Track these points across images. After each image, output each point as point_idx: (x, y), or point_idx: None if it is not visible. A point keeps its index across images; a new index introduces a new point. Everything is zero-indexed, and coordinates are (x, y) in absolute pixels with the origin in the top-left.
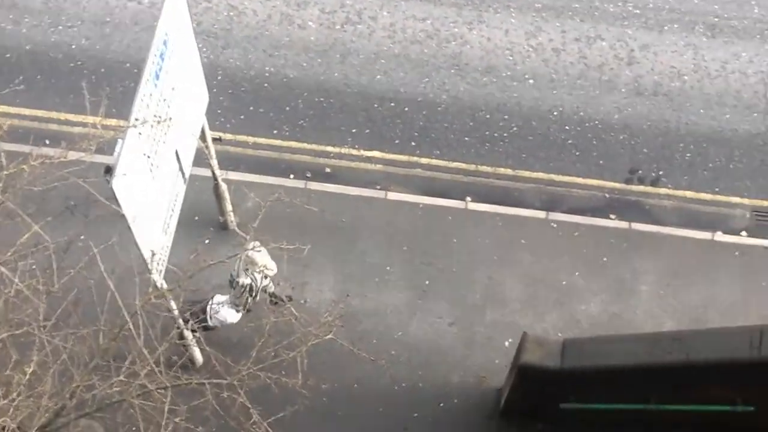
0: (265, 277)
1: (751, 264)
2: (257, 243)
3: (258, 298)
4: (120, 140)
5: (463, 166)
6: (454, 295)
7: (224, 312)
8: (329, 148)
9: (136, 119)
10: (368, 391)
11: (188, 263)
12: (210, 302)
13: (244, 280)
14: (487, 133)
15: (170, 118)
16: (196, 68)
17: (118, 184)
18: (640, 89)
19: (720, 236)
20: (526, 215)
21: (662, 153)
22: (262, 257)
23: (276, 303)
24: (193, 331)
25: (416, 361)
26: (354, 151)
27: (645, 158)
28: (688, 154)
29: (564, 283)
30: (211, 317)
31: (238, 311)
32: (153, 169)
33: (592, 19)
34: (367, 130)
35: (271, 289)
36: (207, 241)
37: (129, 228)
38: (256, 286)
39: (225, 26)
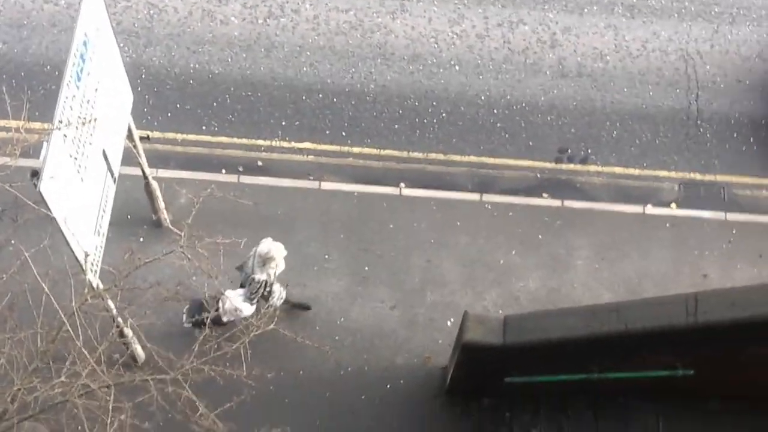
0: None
1: (681, 234)
2: (269, 238)
3: (271, 292)
4: (45, 143)
5: (395, 153)
6: (394, 279)
7: (241, 306)
8: (260, 142)
9: (60, 122)
10: (314, 377)
11: (123, 262)
12: (223, 298)
13: (260, 276)
14: (416, 120)
15: (95, 119)
16: (118, 68)
17: (46, 187)
18: (564, 71)
19: (650, 209)
20: (460, 198)
21: (590, 132)
22: (278, 252)
23: (294, 308)
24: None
25: (360, 346)
26: (285, 144)
27: (573, 137)
28: (615, 132)
29: (501, 262)
30: (225, 312)
31: (252, 304)
32: (81, 170)
33: (513, 4)
34: (297, 122)
35: (283, 298)
36: (141, 240)
37: (60, 230)
38: (270, 282)
39: (146, 24)
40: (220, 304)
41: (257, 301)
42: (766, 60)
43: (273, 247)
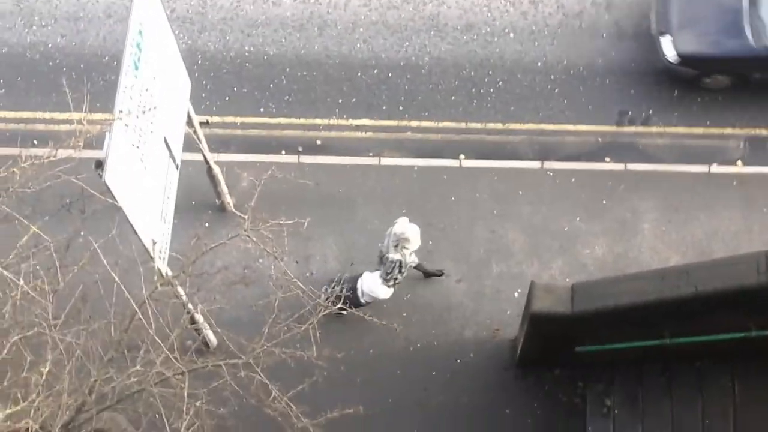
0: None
1: (749, 192)
2: (405, 218)
3: (405, 273)
4: (107, 134)
5: (452, 125)
6: (459, 252)
7: (377, 288)
8: (317, 121)
9: (121, 111)
10: (384, 355)
11: (190, 248)
12: (360, 280)
13: (394, 256)
14: (473, 90)
15: (155, 107)
16: (175, 55)
17: (110, 177)
18: (621, 32)
19: (716, 168)
20: (521, 167)
21: (650, 92)
22: (413, 234)
23: (429, 277)
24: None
25: (429, 321)
26: (343, 121)
27: (633, 99)
28: (676, 91)
29: (566, 229)
30: (363, 294)
31: (389, 287)
32: (143, 158)
33: None
34: (354, 99)
35: (415, 263)
36: (207, 225)
37: (127, 219)
38: (405, 262)
39: (199, 10)
40: (359, 285)
41: (394, 284)
42: None
43: (408, 229)
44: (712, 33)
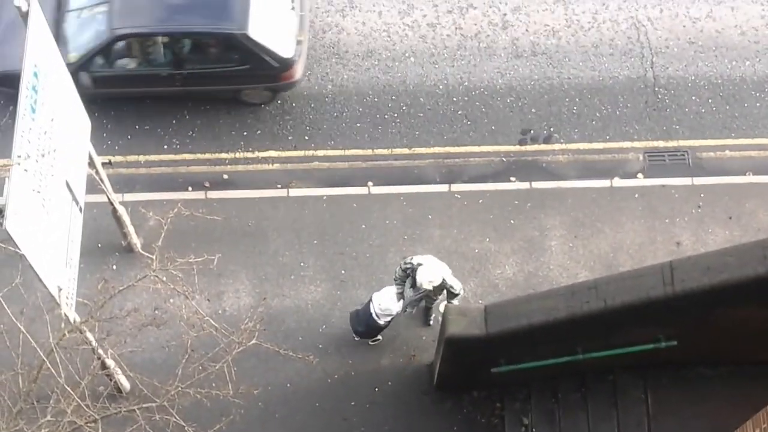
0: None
1: (651, 204)
2: (426, 267)
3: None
4: (6, 180)
5: (359, 152)
6: (372, 279)
7: (392, 305)
8: (223, 155)
9: (19, 156)
10: (302, 388)
11: (98, 292)
12: (372, 306)
13: (427, 287)
14: (377, 116)
15: (54, 150)
16: (73, 95)
17: (11, 224)
18: (518, 51)
19: (618, 182)
20: (430, 190)
21: (550, 110)
22: (434, 275)
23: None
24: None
25: (345, 351)
26: (249, 154)
27: (534, 118)
28: (575, 108)
29: (476, 250)
30: (379, 317)
31: (399, 300)
32: (45, 203)
33: None
34: (258, 131)
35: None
36: (114, 267)
37: (31, 266)
38: (430, 299)
39: None
40: (373, 310)
41: (411, 304)
42: (715, 19)
43: (434, 277)
44: None
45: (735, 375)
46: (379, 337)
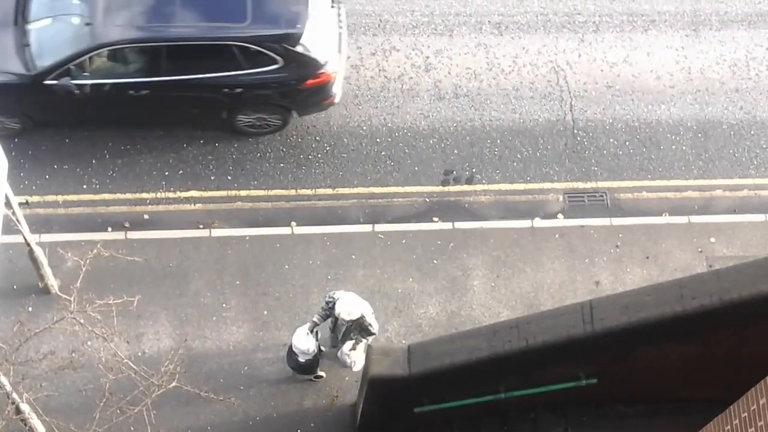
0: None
1: (570, 244)
2: (343, 300)
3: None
4: None
5: (283, 192)
6: (295, 320)
7: (298, 343)
8: (144, 195)
9: None
10: (223, 431)
11: (13, 335)
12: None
13: (345, 317)
14: (301, 156)
15: None
16: None
17: None
18: (441, 93)
19: (539, 222)
20: (353, 230)
21: (472, 151)
22: (353, 307)
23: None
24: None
25: (267, 393)
26: (170, 194)
27: (457, 159)
28: (497, 149)
29: (400, 290)
30: (298, 355)
31: (310, 335)
32: None
33: (383, 32)
34: (180, 171)
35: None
36: (30, 309)
37: None
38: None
39: None
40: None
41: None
42: (632, 64)
43: (352, 309)
44: None
45: (654, 413)
46: (321, 373)
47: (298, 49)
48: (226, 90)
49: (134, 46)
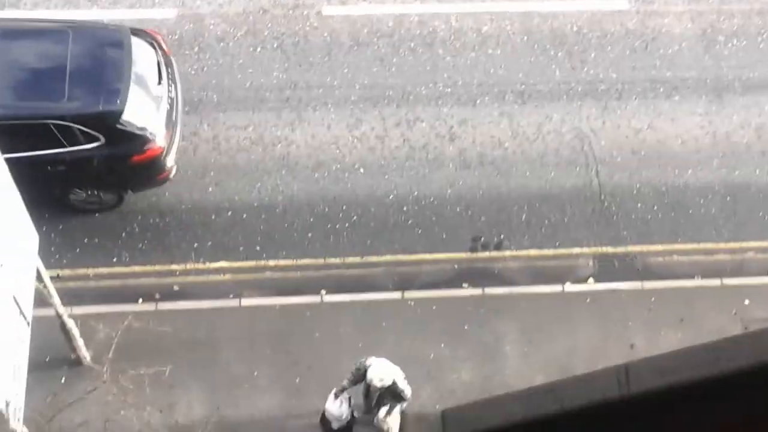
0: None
1: (602, 308)
2: (376, 367)
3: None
4: None
5: (311, 261)
6: (326, 388)
7: (329, 408)
8: (174, 266)
9: None
10: None
11: (47, 406)
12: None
13: (377, 384)
14: (328, 226)
15: (0, 265)
16: (20, 209)
17: None
18: (466, 162)
19: (569, 287)
20: (382, 298)
21: (499, 218)
22: (389, 376)
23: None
24: None
25: None
26: (200, 265)
27: (485, 225)
28: (524, 215)
29: (431, 356)
30: (331, 422)
31: (336, 399)
32: None
33: (407, 103)
34: (209, 243)
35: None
36: (63, 380)
37: None
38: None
39: None
40: (328, 415)
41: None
42: (656, 129)
43: (384, 375)
44: None
45: None
46: None
47: (121, 125)
48: (49, 168)
49: None
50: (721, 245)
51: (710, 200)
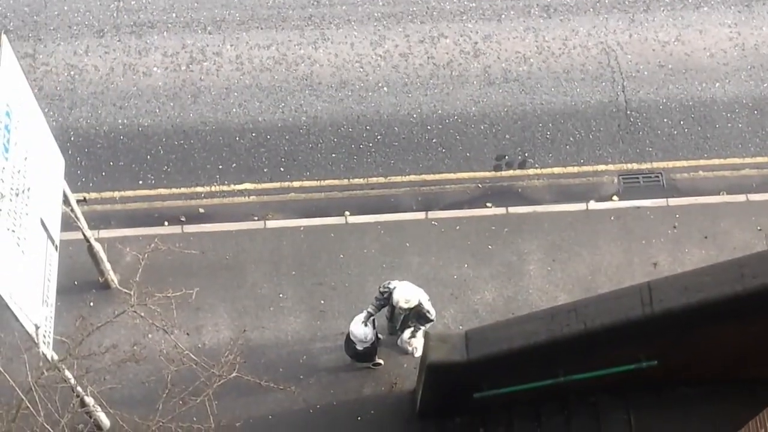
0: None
1: (626, 226)
2: (401, 287)
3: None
4: None
5: (335, 182)
6: (351, 309)
7: (355, 330)
8: (199, 189)
9: None
10: (284, 420)
11: (75, 330)
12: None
13: (403, 305)
14: (352, 146)
15: (28, 189)
16: (46, 134)
17: None
18: (490, 79)
19: (593, 205)
20: (406, 218)
21: (524, 136)
22: (415, 297)
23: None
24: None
25: (326, 381)
26: (224, 187)
27: (509, 144)
28: (549, 133)
29: (455, 277)
30: (355, 343)
31: (366, 323)
32: (20, 242)
33: (431, 19)
34: (234, 164)
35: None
36: (91, 304)
37: (7, 306)
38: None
39: (68, 86)
40: (352, 337)
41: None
42: (684, 42)
43: (410, 297)
44: None
45: (716, 393)
46: (380, 361)
47: None
48: None
49: None
50: (748, 160)
51: (737, 114)
